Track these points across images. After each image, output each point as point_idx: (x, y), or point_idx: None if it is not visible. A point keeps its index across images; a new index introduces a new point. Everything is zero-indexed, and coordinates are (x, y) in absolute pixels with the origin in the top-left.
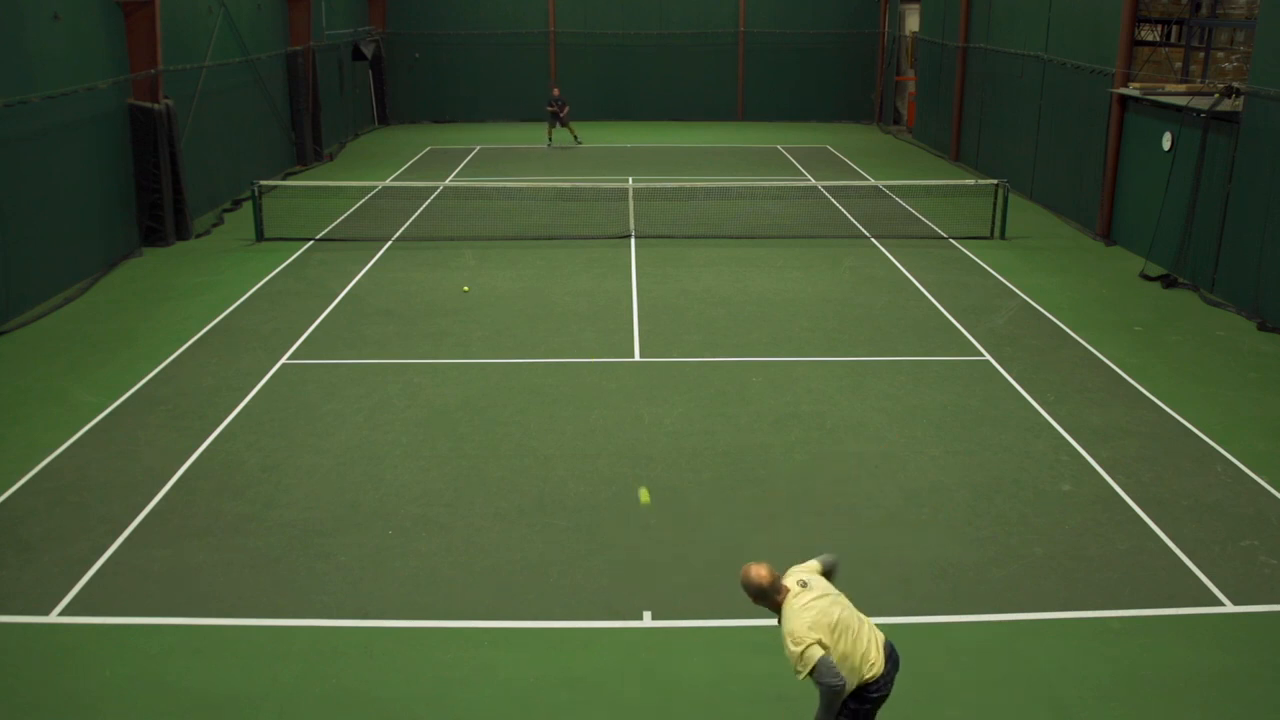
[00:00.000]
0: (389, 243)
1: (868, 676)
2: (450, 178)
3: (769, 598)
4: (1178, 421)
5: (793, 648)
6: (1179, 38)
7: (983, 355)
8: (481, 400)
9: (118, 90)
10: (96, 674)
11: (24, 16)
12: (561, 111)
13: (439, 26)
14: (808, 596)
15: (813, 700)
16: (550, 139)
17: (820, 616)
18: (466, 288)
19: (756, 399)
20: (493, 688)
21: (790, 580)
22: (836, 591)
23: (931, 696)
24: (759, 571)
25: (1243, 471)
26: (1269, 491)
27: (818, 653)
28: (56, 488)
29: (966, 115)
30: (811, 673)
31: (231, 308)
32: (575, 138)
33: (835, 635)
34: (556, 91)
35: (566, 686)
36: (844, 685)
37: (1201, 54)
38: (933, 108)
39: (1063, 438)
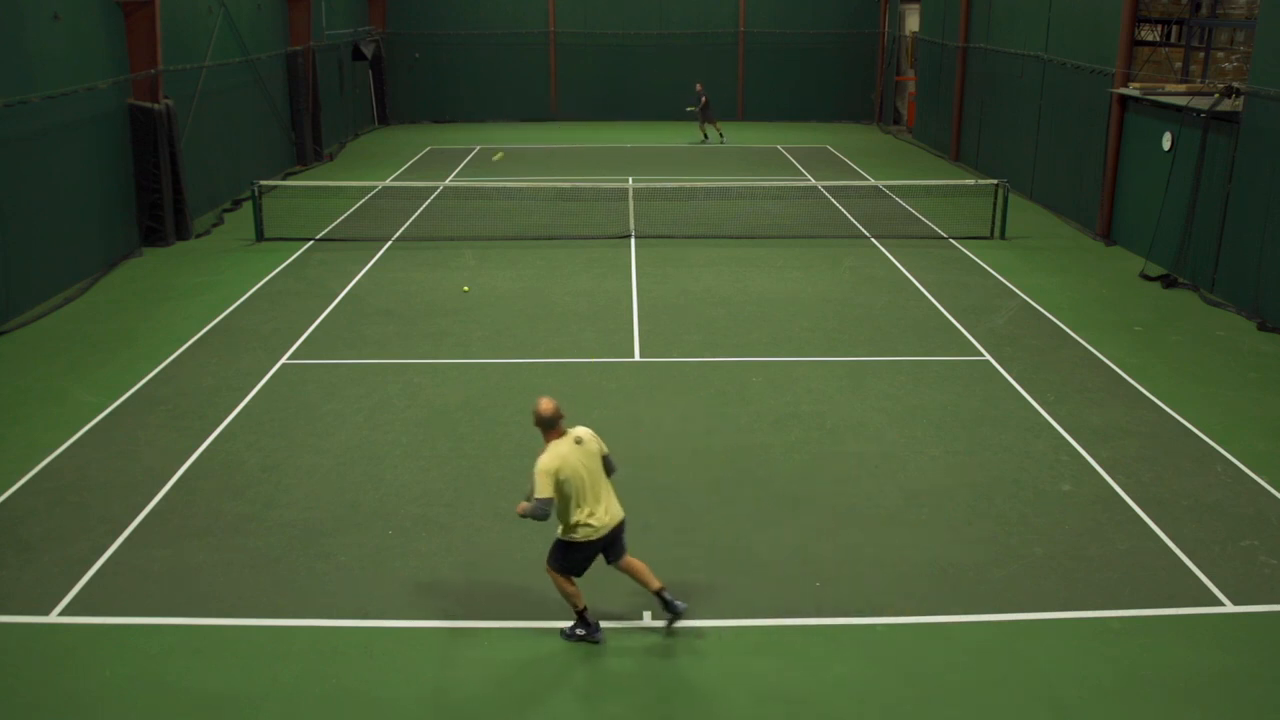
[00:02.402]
0: (389, 243)
1: (580, 535)
2: (450, 178)
3: (544, 431)
4: (1178, 421)
5: (535, 476)
6: (1179, 38)
7: (983, 355)
8: (481, 400)
9: (118, 90)
10: (96, 674)
11: (24, 16)
12: (702, 105)
13: (439, 26)
14: (566, 448)
15: (812, 702)
16: (720, 134)
17: (562, 465)
18: (466, 288)
19: (756, 399)
20: (493, 688)
21: (572, 430)
22: (595, 464)
23: (931, 696)
24: (548, 404)
25: (1243, 471)
26: (1269, 491)
27: (543, 492)
28: (56, 488)
29: (966, 115)
30: (535, 497)
31: (231, 308)
32: (705, 136)
33: (562, 482)
34: (700, 87)
35: (566, 687)
36: (545, 518)
37: (1201, 54)
38: (933, 108)
39: (1063, 438)
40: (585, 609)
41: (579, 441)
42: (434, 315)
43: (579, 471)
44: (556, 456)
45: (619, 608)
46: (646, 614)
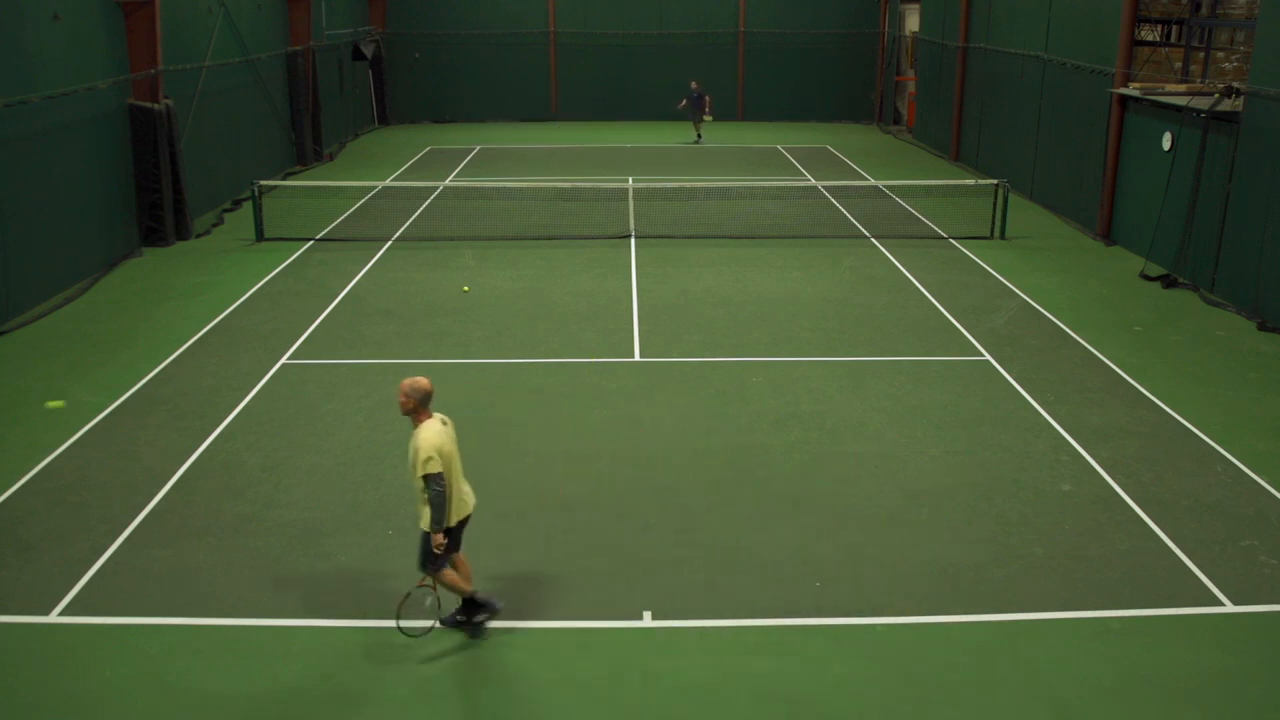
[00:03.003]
0: (389, 243)
1: (454, 515)
2: (450, 178)
3: (418, 410)
4: (1178, 421)
5: (422, 453)
6: (1179, 38)
7: (983, 355)
8: (481, 400)
9: (118, 90)
10: (96, 674)
11: (24, 16)
12: (703, 106)
13: (439, 26)
14: (440, 426)
15: (812, 702)
16: (699, 135)
17: (445, 444)
18: (466, 288)
19: (756, 399)
20: (493, 688)
21: (435, 414)
22: (456, 447)
23: (931, 696)
24: (427, 381)
25: (1243, 471)
26: (1269, 491)
27: (437, 466)
28: (56, 488)
29: (966, 115)
30: (426, 477)
31: (231, 308)
32: (699, 135)
33: (446, 464)
34: (695, 85)
35: (566, 687)
36: (445, 491)
37: (1201, 54)
38: (933, 108)
39: (1063, 438)
40: (475, 591)
41: (445, 423)
42: (434, 315)
43: (453, 450)
44: (437, 434)
45: (618, 608)
46: (647, 613)
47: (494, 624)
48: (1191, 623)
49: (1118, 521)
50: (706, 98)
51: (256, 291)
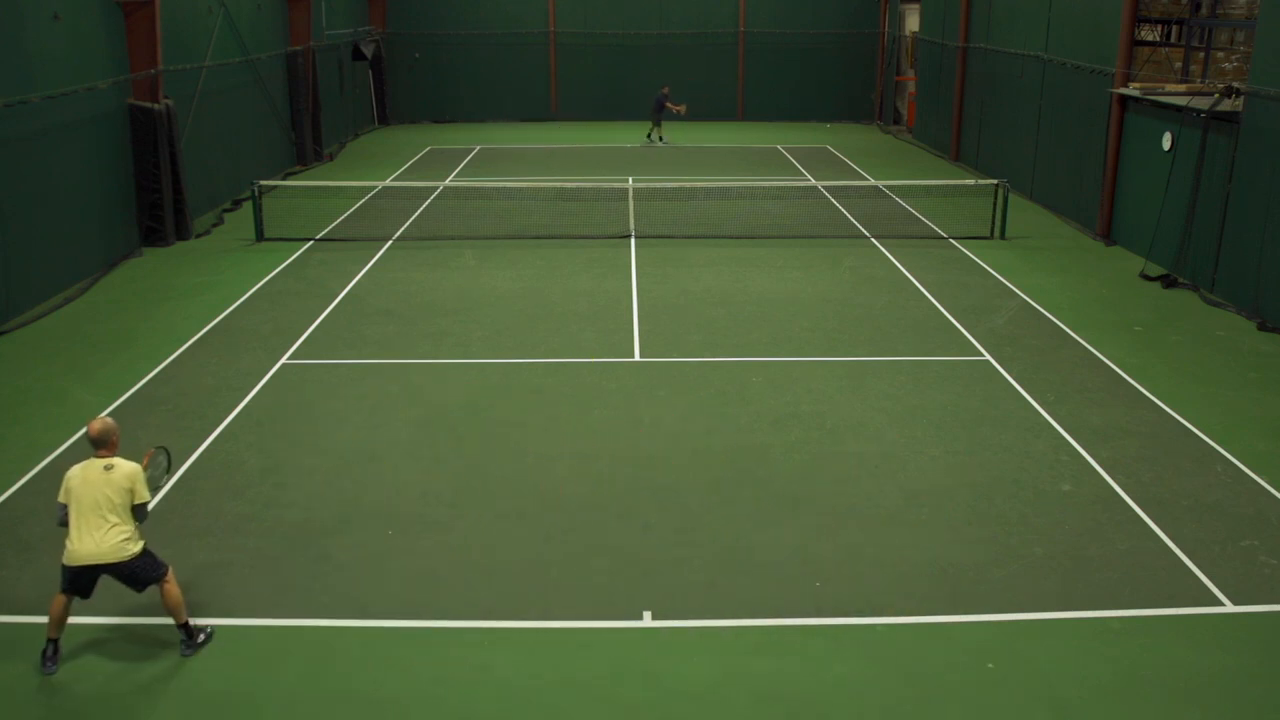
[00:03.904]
0: (389, 243)
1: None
2: (450, 178)
3: (111, 444)
4: (1178, 421)
5: (142, 481)
6: (1179, 38)
7: (983, 355)
8: (481, 400)
9: (118, 90)
10: (98, 674)
11: (24, 16)
12: (675, 108)
13: (439, 26)
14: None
15: (812, 702)
16: (660, 136)
17: (75, 480)
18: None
19: (756, 399)
20: (492, 688)
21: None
22: None
23: (931, 696)
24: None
25: (1243, 471)
26: (1269, 491)
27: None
28: (56, 488)
29: (966, 115)
30: (145, 505)
31: (231, 308)
32: (658, 137)
33: (68, 497)
34: (666, 90)
35: (566, 686)
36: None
37: (1201, 54)
38: (933, 108)
39: (1063, 438)
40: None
41: (107, 466)
42: (434, 315)
43: (81, 491)
44: (83, 468)
45: (618, 608)
46: (647, 613)
47: (493, 624)
48: (1191, 623)
49: (1118, 521)
50: (668, 104)
51: (256, 291)
